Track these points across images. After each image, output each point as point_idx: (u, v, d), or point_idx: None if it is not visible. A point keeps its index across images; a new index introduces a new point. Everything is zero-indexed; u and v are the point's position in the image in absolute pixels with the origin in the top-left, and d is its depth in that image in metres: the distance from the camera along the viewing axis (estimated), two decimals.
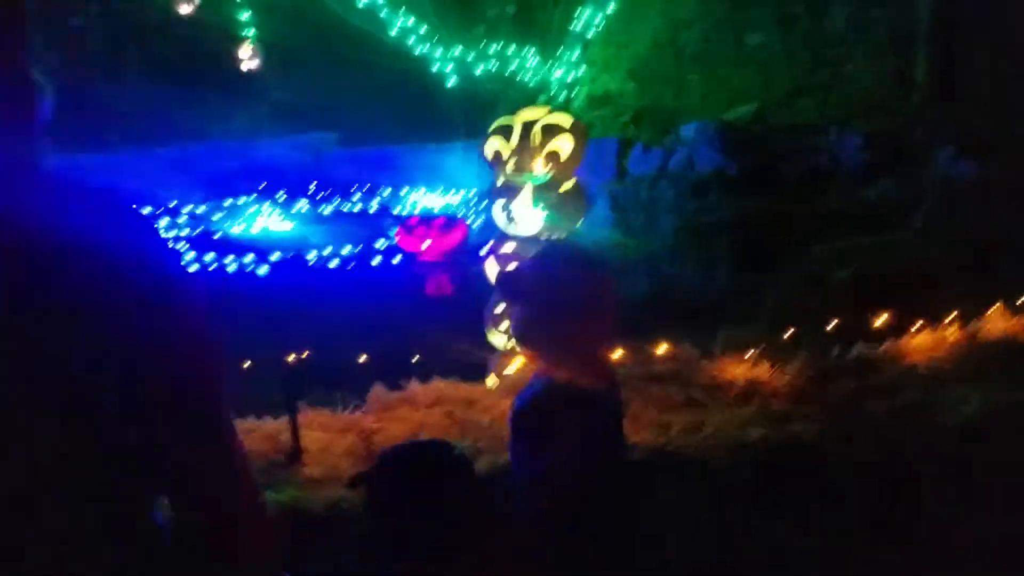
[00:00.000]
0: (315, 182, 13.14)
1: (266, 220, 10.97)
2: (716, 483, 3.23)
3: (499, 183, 4.72)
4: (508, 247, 4.75)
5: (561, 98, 14.99)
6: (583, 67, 15.13)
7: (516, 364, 4.79)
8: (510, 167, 4.52)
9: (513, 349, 4.82)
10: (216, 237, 10.00)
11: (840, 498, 3.33)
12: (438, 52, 14.78)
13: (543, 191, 4.61)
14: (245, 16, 12.36)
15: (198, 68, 13.34)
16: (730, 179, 9.10)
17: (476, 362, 4.83)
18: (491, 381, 4.84)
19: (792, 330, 4.46)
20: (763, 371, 3.94)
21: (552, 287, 2.22)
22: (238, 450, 1.48)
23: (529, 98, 15.15)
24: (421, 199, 12.26)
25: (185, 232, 10.20)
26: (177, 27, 12.63)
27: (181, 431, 1.36)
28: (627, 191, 10.44)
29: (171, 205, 11.50)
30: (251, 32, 12.34)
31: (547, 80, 15.30)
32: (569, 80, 15.11)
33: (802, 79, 10.91)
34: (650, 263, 7.51)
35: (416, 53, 14.64)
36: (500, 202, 4.70)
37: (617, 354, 3.82)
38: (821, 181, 8.65)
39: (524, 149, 4.46)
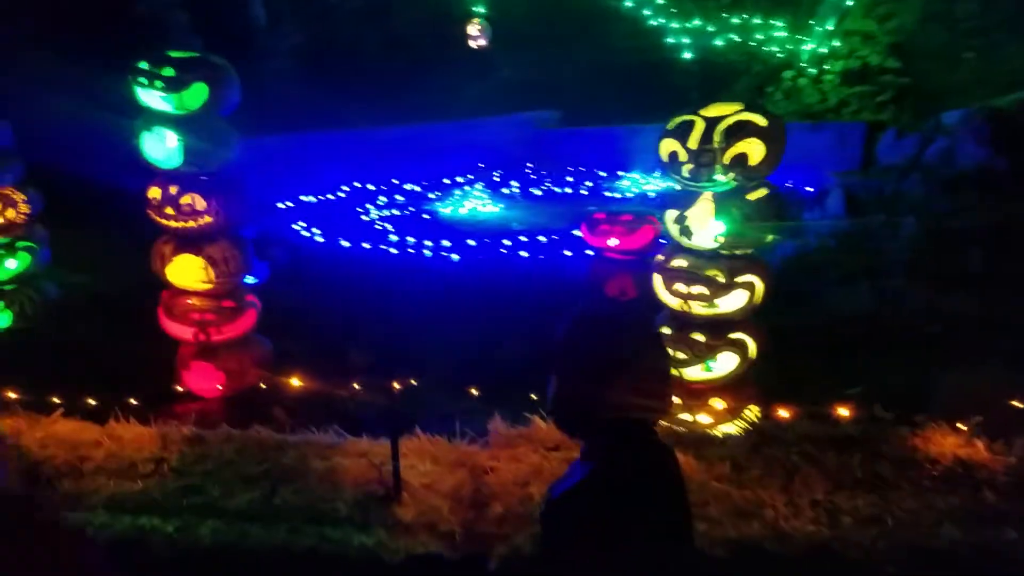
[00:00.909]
0: (532, 163, 13.01)
1: (475, 201, 10.94)
2: None
3: (676, 188, 4.13)
4: (679, 262, 4.16)
5: (811, 73, 13.69)
6: (838, 40, 13.66)
7: (680, 402, 4.24)
8: (687, 171, 3.91)
9: (678, 379, 4.27)
10: (424, 218, 10.11)
11: None
12: (674, 24, 14.03)
13: (725, 200, 3.96)
14: None
15: (431, 46, 13.64)
16: (995, 178, 7.63)
17: None
18: None
19: None
20: (980, 448, 3.06)
21: (585, 357, 1.74)
22: None
23: (773, 73, 13.99)
24: (637, 184, 11.67)
25: (396, 212, 10.43)
26: (412, 6, 12.92)
27: None
28: (869, 184, 9.19)
29: (393, 183, 11.88)
30: (481, 9, 12.30)
31: (796, 53, 14.02)
32: (821, 54, 13.73)
33: None
34: (877, 275, 6.42)
35: (650, 25, 13.99)
36: (674, 210, 4.11)
37: (785, 410, 3.14)
38: None
39: (705, 151, 3.84)
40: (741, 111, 3.82)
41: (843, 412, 3.35)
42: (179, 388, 4.73)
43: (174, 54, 4.55)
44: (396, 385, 3.05)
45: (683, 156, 3.88)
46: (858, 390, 4.75)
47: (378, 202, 10.96)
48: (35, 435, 3.35)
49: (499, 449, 3.23)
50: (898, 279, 6.52)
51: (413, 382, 3.27)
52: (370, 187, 11.65)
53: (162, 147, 4.57)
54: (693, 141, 3.84)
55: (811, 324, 5.61)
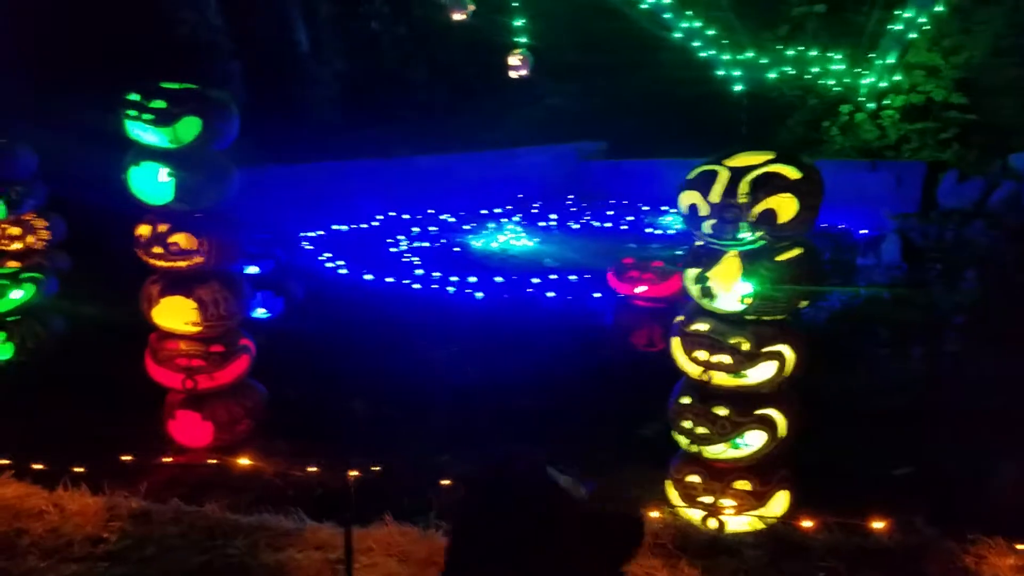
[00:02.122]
0: (573, 195, 12.63)
1: (509, 235, 10.56)
2: None
3: (696, 244, 3.69)
4: (700, 326, 3.71)
5: (870, 107, 13.09)
6: (899, 73, 13.03)
7: (700, 481, 3.77)
8: (709, 227, 3.47)
9: (699, 456, 3.80)
10: (455, 250, 9.78)
11: None
12: (726, 56, 13.55)
13: (753, 260, 3.51)
14: (519, 23, 12.09)
15: (476, 75, 13.42)
16: None
17: (643, 474, 3.86)
18: (671, 495, 3.83)
19: None
20: None
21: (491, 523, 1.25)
22: None
23: (830, 107, 13.42)
24: (680, 220, 11.18)
25: (426, 244, 10.11)
26: (457, 34, 12.72)
27: None
28: (928, 229, 8.57)
29: (429, 213, 11.60)
30: (524, 39, 12.05)
31: (855, 87, 13.41)
32: (881, 88, 13.11)
33: None
34: (932, 334, 5.83)
35: (700, 57, 13.55)
36: (695, 269, 3.67)
37: (810, 520, 2.67)
38: None
39: (729, 206, 3.40)
40: (771, 162, 3.37)
41: (876, 524, 2.85)
42: (168, 438, 4.43)
43: (167, 85, 4.30)
44: (353, 473, 2.66)
45: (704, 210, 3.45)
46: (906, 471, 4.23)
47: (411, 232, 10.68)
48: None
49: None
50: (958, 339, 5.92)
51: (375, 468, 2.87)
52: (405, 216, 11.39)
53: (152, 183, 4.30)
54: (716, 194, 3.40)
55: (856, 390, 5.09)
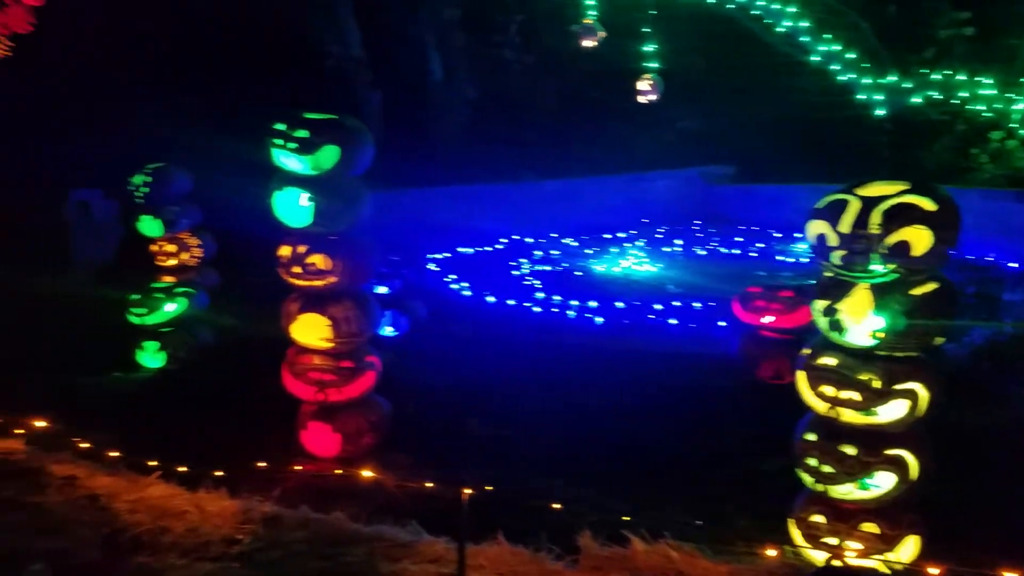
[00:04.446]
0: (700, 220, 12.45)
1: (631, 260, 10.49)
2: None
3: (824, 276, 3.58)
4: (828, 360, 3.58)
5: (1021, 135, 12.29)
6: None
7: (825, 522, 3.63)
8: (838, 258, 3.37)
9: (824, 496, 3.66)
10: (576, 274, 9.82)
11: None
12: (867, 80, 13.07)
13: (885, 293, 3.37)
14: (650, 48, 12.10)
15: (605, 99, 13.49)
16: None
17: (764, 511, 3.76)
18: (794, 534, 3.71)
19: None
20: None
21: None
22: None
23: (979, 133, 12.70)
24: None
25: (548, 268, 10.19)
26: (587, 60, 12.85)
27: None
28: None
29: (552, 237, 11.71)
30: (652, 64, 12.04)
31: (1006, 112, 12.64)
32: None
33: None
34: None
35: (839, 80, 13.13)
36: (823, 301, 3.55)
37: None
38: None
39: (859, 236, 3.29)
40: (906, 192, 3.24)
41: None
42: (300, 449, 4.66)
43: (310, 116, 4.57)
44: (467, 490, 2.73)
45: (833, 240, 3.35)
46: None
47: (534, 255, 10.81)
48: (128, 497, 3.35)
49: (587, 572, 2.82)
50: None
51: (488, 488, 2.93)
52: (528, 240, 11.55)
53: (293, 207, 4.58)
54: (846, 224, 3.30)
55: (997, 431, 4.77)
